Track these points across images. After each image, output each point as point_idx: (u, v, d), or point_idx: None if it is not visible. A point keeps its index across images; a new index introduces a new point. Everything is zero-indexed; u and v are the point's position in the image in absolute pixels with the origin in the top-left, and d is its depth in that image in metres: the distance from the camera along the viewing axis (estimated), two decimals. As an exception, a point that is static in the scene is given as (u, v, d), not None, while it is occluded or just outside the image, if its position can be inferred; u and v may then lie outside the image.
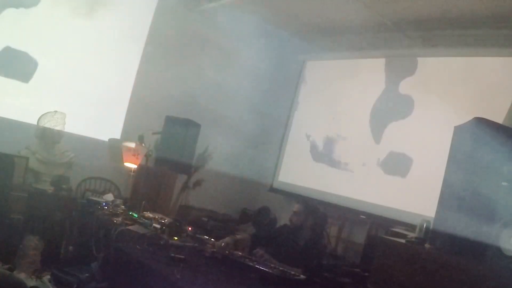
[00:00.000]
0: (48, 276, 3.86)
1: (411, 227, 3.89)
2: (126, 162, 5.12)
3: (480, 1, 4.45)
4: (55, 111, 4.72)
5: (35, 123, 4.66)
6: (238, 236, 3.64)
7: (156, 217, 3.97)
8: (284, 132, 6.78)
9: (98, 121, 5.45)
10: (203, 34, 5.95)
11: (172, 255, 2.92)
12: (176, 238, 3.53)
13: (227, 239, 3.48)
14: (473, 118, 2.92)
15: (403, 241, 3.20)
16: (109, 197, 4.65)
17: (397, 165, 5.26)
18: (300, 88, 6.76)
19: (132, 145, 5.14)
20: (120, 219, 3.86)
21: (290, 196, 6.11)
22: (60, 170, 4.81)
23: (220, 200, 6.38)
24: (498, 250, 2.58)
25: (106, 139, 5.58)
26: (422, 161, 5.02)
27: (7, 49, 4.76)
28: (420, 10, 4.99)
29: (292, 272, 3.05)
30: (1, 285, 2.71)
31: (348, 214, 5.54)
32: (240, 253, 3.33)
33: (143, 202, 4.31)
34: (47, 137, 4.67)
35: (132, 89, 5.74)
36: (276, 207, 6.09)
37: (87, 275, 3.55)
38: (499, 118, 4.23)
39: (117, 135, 5.64)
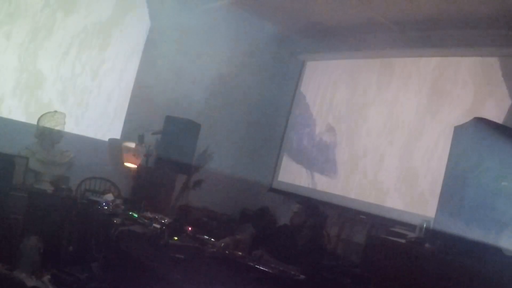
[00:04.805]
0: (48, 276, 3.85)
1: (411, 227, 3.89)
2: (126, 162, 5.12)
3: (480, 1, 4.45)
4: (55, 111, 4.71)
5: (35, 123, 4.66)
6: (238, 236, 3.64)
7: (156, 217, 3.97)
8: (284, 132, 6.77)
9: (98, 121, 5.45)
10: (203, 34, 5.94)
11: (172, 255, 2.92)
12: (176, 238, 3.53)
13: (227, 239, 3.48)
14: (473, 118, 2.92)
15: (403, 241, 3.20)
16: (109, 197, 4.65)
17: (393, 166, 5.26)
18: (300, 88, 6.75)
19: (132, 145, 5.14)
20: (120, 219, 3.86)
21: (290, 196, 6.10)
22: (60, 170, 4.80)
23: (220, 200, 6.37)
24: (498, 250, 2.58)
25: (106, 139, 5.58)
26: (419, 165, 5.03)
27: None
28: (420, 10, 4.99)
29: (292, 272, 3.05)
30: (1, 285, 2.71)
31: (348, 214, 5.54)
32: (240, 253, 3.33)
33: (143, 202, 4.31)
34: (47, 137, 4.66)
35: (132, 89, 5.74)
36: (276, 207, 6.08)
37: (87, 275, 3.55)
38: (499, 118, 4.24)
39: (117, 135, 5.64)
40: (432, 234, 3.01)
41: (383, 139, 5.48)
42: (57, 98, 5.15)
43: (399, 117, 5.41)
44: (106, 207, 4.18)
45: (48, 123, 4.63)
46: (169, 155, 5.16)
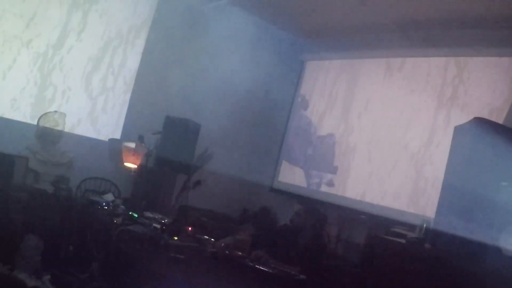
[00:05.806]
0: (48, 276, 3.85)
1: (411, 227, 3.89)
2: (126, 162, 5.11)
3: (480, 1, 4.45)
4: (55, 111, 4.72)
5: (35, 123, 4.66)
6: (238, 236, 3.64)
7: (156, 217, 3.97)
8: (284, 132, 6.77)
9: (98, 121, 5.45)
10: (203, 34, 5.94)
11: (172, 255, 2.92)
12: (176, 238, 3.53)
13: (227, 239, 3.48)
14: (473, 118, 2.92)
15: (403, 241, 3.20)
16: (109, 197, 4.65)
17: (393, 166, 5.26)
18: (300, 88, 6.75)
19: (132, 145, 5.14)
20: (120, 219, 3.86)
21: (290, 196, 6.10)
22: (60, 170, 4.80)
23: (220, 200, 6.37)
24: (498, 250, 2.58)
25: (106, 139, 5.58)
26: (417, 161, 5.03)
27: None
28: (420, 10, 4.98)
29: (292, 272, 3.05)
30: (1, 285, 2.71)
31: (348, 214, 5.54)
32: (240, 253, 3.33)
33: (143, 202, 4.31)
34: (47, 137, 4.67)
35: (132, 89, 5.74)
36: (276, 207, 6.07)
37: (87, 275, 3.56)
38: (499, 118, 4.24)
39: (117, 135, 5.64)
40: (432, 234, 3.01)
41: (383, 139, 5.48)
42: (57, 98, 5.15)
43: (398, 117, 5.41)
44: (106, 207, 4.18)
45: (48, 123, 4.63)
46: (169, 155, 5.16)
